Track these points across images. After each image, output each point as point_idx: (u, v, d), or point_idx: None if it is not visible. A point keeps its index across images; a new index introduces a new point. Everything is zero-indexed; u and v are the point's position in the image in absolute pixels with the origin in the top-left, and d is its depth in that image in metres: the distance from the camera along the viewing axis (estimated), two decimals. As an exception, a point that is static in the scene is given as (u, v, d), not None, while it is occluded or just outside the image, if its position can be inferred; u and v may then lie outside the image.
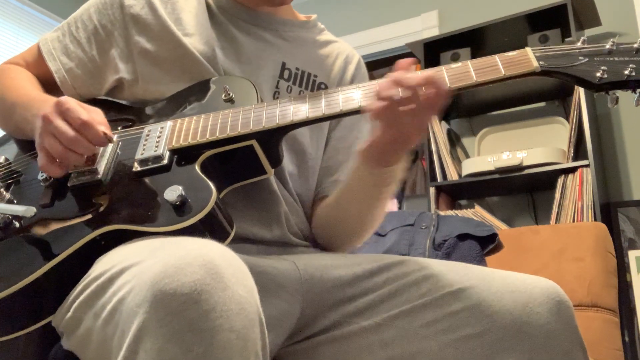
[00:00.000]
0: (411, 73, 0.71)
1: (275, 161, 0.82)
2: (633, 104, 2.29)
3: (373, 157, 0.80)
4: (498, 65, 0.73)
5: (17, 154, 0.90)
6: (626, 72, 0.69)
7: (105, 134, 0.74)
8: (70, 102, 0.74)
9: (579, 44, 0.74)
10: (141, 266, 0.55)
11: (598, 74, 0.70)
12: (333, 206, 0.92)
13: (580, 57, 0.72)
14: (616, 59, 0.71)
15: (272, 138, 0.79)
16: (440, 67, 0.76)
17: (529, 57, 0.73)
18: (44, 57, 0.95)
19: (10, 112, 0.88)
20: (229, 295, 0.51)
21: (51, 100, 0.81)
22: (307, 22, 1.05)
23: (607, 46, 0.72)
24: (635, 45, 0.71)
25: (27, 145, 0.89)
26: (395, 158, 0.80)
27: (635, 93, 0.71)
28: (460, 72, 0.74)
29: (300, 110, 0.77)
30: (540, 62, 0.72)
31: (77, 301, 0.65)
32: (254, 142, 0.78)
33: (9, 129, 0.93)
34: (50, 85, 0.95)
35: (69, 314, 0.66)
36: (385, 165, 0.80)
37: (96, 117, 0.76)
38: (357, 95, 0.77)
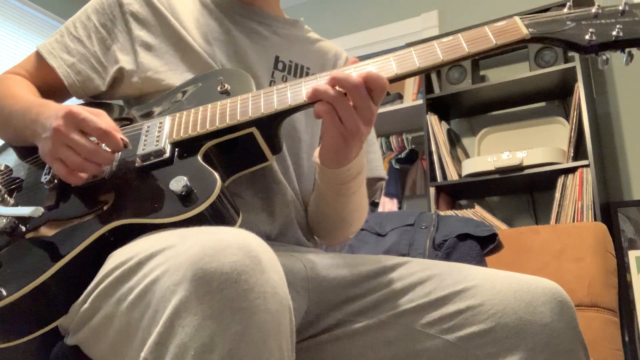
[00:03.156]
0: (351, 71, 0.75)
1: (276, 147, 0.82)
2: (634, 104, 2.30)
3: (329, 158, 0.82)
4: (489, 35, 0.74)
5: (16, 160, 0.90)
6: (614, 32, 0.71)
7: (122, 139, 0.75)
8: (84, 112, 0.74)
9: (565, 10, 0.76)
10: (176, 249, 0.56)
11: (587, 37, 0.72)
12: (313, 205, 0.95)
13: (568, 22, 0.74)
14: (603, 21, 0.73)
15: (272, 124, 0.79)
16: (432, 41, 0.77)
17: (518, 25, 0.74)
18: (44, 58, 0.95)
19: (9, 119, 0.88)
20: (266, 279, 0.52)
21: (51, 105, 0.81)
22: (296, 22, 1.08)
23: (593, 10, 0.74)
24: (621, 8, 0.73)
25: (25, 152, 0.89)
26: (350, 153, 0.80)
27: (624, 53, 0.72)
28: (452, 44, 0.75)
29: (297, 94, 0.77)
30: (530, 29, 0.73)
31: (97, 291, 0.65)
32: (254, 130, 0.78)
33: (8, 137, 0.93)
34: (54, 90, 0.95)
35: (86, 305, 0.66)
36: (344, 163, 0.81)
37: (110, 124, 0.76)
38: (354, 75, 0.77)
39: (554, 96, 2.51)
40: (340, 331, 0.77)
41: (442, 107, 2.58)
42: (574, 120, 2.19)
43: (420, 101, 2.59)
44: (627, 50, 0.72)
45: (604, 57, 0.73)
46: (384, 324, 0.76)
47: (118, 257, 0.64)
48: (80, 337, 0.69)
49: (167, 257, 0.56)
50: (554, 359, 0.68)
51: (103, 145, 0.75)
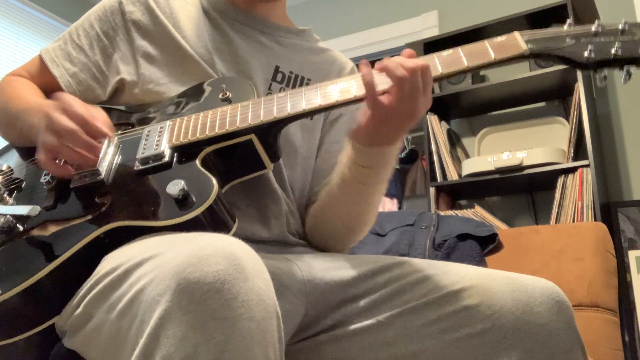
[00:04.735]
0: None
1: (274, 155, 0.82)
2: (633, 104, 2.30)
3: (365, 135, 0.80)
4: (488, 50, 0.75)
5: (18, 161, 0.91)
6: (613, 50, 0.72)
7: (103, 130, 0.75)
8: (70, 99, 0.75)
9: (565, 27, 0.77)
10: (162, 257, 0.56)
11: (586, 54, 0.73)
12: (324, 203, 0.93)
13: (567, 39, 0.75)
14: (602, 39, 0.74)
15: (271, 132, 0.80)
16: (432, 54, 0.78)
17: (517, 41, 0.75)
18: (47, 65, 0.96)
19: (14, 121, 0.89)
20: (250, 287, 0.52)
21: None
22: (303, 31, 1.07)
23: (593, 28, 0.74)
24: (620, 27, 0.73)
25: (28, 153, 0.90)
26: (385, 136, 0.79)
27: (622, 70, 0.73)
28: (452, 58, 0.76)
29: (297, 103, 0.78)
30: (529, 45, 0.74)
31: (88, 296, 0.65)
32: (253, 137, 0.78)
33: (13, 138, 0.93)
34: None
35: (79, 310, 0.66)
36: (376, 143, 0.80)
37: (95, 114, 0.76)
38: (352, 85, 0.78)
39: (554, 96, 2.51)
40: (338, 332, 0.77)
41: (442, 107, 2.58)
42: (574, 120, 2.19)
43: (420, 101, 2.59)
44: (625, 68, 0.72)
45: (603, 75, 0.74)
46: (382, 324, 0.76)
47: (109, 263, 0.65)
48: (75, 343, 0.69)
49: (153, 266, 0.56)
50: (551, 359, 0.68)
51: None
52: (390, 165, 0.85)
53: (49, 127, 0.74)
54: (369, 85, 0.74)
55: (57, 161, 0.76)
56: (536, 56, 0.75)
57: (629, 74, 0.73)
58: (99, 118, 0.77)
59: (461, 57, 0.75)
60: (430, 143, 2.45)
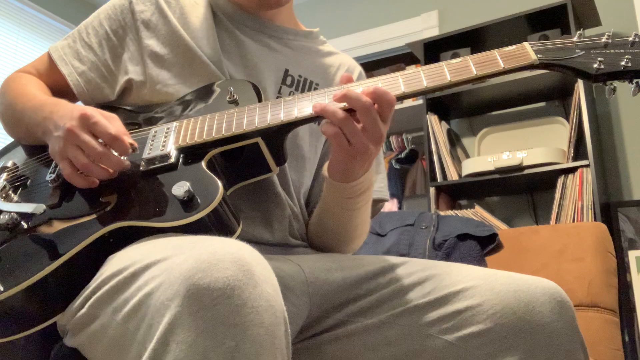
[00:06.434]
0: (355, 88, 0.74)
1: (280, 159, 0.82)
2: (633, 104, 2.30)
3: (337, 173, 0.82)
4: (497, 59, 0.75)
5: (24, 158, 0.91)
6: (622, 63, 0.71)
7: (132, 144, 0.76)
8: (97, 116, 0.75)
9: (575, 38, 0.77)
10: (170, 261, 0.56)
11: (595, 65, 0.72)
12: (316, 218, 0.94)
13: (577, 50, 0.75)
14: (612, 51, 0.73)
15: (277, 135, 0.80)
16: (441, 63, 0.78)
17: (527, 51, 0.75)
18: (55, 64, 0.95)
19: (20, 117, 0.89)
20: (259, 292, 0.52)
21: (64, 104, 0.82)
22: (310, 33, 1.07)
23: (603, 40, 0.74)
24: (630, 39, 0.73)
25: (34, 150, 0.90)
26: (359, 170, 0.81)
27: (632, 83, 0.73)
28: (461, 66, 0.76)
29: (304, 107, 0.78)
30: (539, 55, 0.74)
31: (94, 297, 0.65)
32: (259, 140, 0.78)
33: (19, 135, 0.93)
34: (63, 94, 0.95)
35: (83, 310, 0.66)
36: (351, 179, 0.82)
37: (120, 129, 0.77)
38: (359, 91, 0.77)
39: (554, 96, 2.51)
40: (340, 331, 0.78)
41: (442, 107, 2.58)
42: (574, 120, 2.19)
43: (421, 101, 2.59)
44: (635, 80, 0.72)
45: (612, 87, 0.73)
46: (384, 324, 0.76)
47: (115, 264, 0.64)
48: (79, 341, 0.69)
49: (161, 269, 0.56)
50: (553, 358, 0.68)
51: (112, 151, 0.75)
52: (370, 190, 0.88)
53: (74, 144, 0.74)
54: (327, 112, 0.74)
55: (81, 173, 0.76)
56: (545, 66, 0.75)
57: (638, 87, 0.72)
58: (124, 132, 0.77)
59: (470, 65, 0.75)
60: (430, 143, 2.45)
